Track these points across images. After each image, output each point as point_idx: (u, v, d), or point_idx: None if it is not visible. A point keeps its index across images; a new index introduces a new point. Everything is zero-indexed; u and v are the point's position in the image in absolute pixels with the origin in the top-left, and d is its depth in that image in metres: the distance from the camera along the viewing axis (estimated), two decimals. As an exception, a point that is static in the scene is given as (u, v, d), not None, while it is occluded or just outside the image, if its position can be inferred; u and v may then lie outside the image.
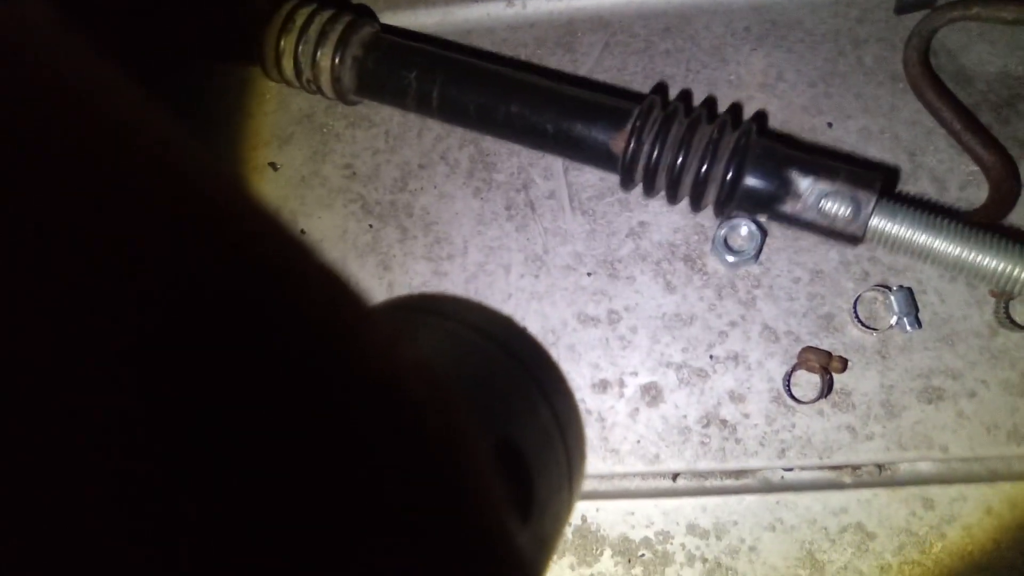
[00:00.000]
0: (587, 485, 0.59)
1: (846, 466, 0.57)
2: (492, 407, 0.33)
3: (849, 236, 0.53)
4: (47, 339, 0.12)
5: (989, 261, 0.51)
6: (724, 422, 0.57)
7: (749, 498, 0.57)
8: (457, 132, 0.66)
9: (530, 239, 0.63)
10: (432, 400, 0.18)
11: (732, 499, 0.57)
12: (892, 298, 0.56)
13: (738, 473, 0.58)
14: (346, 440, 0.15)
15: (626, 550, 0.58)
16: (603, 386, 0.59)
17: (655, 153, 0.55)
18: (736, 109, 0.62)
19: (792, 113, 0.61)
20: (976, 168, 0.57)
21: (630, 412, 0.59)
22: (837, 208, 0.52)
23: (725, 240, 0.58)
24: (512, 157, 0.65)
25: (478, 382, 0.34)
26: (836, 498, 0.56)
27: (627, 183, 0.57)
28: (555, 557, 0.59)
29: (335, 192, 0.67)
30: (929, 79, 0.58)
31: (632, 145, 0.55)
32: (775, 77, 0.62)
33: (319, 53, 0.62)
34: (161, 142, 0.15)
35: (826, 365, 0.56)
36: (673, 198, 0.57)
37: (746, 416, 0.57)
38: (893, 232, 0.52)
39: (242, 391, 0.13)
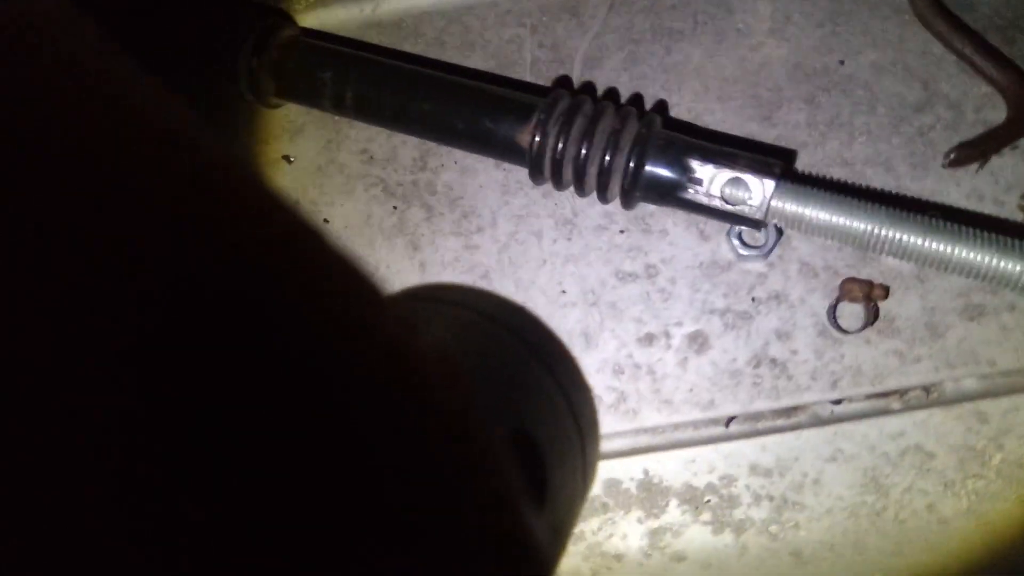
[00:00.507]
0: (646, 438, 0.59)
1: (897, 391, 0.58)
2: (506, 396, 0.33)
3: (751, 220, 0.54)
4: (47, 339, 0.12)
5: (893, 234, 0.51)
6: (774, 361, 0.58)
7: (807, 432, 0.57)
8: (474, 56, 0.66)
9: (558, 204, 0.63)
10: (444, 392, 0.18)
11: (790, 436, 0.58)
12: (925, 222, 0.57)
13: (793, 410, 0.58)
14: (345, 440, 0.15)
15: (692, 498, 0.58)
16: (649, 339, 0.60)
17: (559, 146, 0.56)
18: (639, 100, 0.63)
19: (804, 55, 0.62)
20: (990, 90, 0.59)
21: (679, 362, 0.59)
22: (738, 193, 0.53)
23: (740, 233, 0.59)
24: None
25: (492, 371, 0.34)
26: (892, 423, 0.57)
27: (536, 176, 0.58)
28: (621, 512, 0.59)
29: (354, 178, 0.67)
30: (935, 7, 0.59)
31: (537, 138, 0.56)
32: (783, 21, 0.63)
33: (238, 57, 0.62)
34: (166, 136, 0.14)
35: (869, 294, 0.57)
36: (580, 190, 0.58)
37: (794, 353, 0.58)
38: (796, 213, 0.53)
39: (242, 391, 0.13)
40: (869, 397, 0.58)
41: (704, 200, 0.54)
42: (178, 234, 0.13)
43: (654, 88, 0.63)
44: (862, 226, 0.52)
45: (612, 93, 0.63)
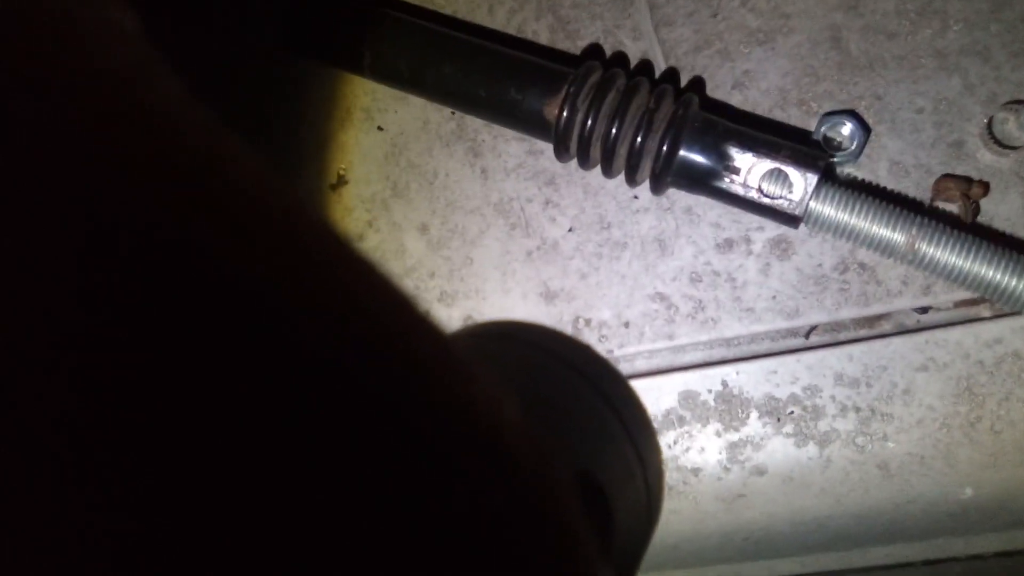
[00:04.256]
0: (724, 349, 0.57)
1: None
2: (572, 438, 0.32)
3: (788, 216, 0.51)
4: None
5: (933, 251, 0.49)
6: (862, 266, 0.55)
7: (896, 340, 0.54)
8: (532, 2, 0.62)
9: (627, 105, 0.59)
10: (520, 434, 0.17)
11: (878, 344, 0.55)
12: (1028, 114, 0.53)
13: (882, 317, 0.55)
14: (416, 494, 0.14)
15: (774, 409, 0.55)
16: (728, 245, 0.57)
17: (589, 122, 0.52)
18: (676, 76, 0.58)
19: (893, -62, 0.58)
20: (1101, -31, 0.54)
21: (761, 268, 0.56)
22: (777, 187, 0.50)
23: (825, 137, 0.55)
24: (595, 21, 0.61)
25: (558, 413, 0.33)
26: (988, 329, 0.54)
27: (561, 152, 0.55)
28: (698, 425, 0.56)
29: (408, 83, 0.63)
30: None
31: (566, 113, 0.52)
32: (870, -98, 0.58)
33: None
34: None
35: (967, 192, 0.53)
36: (608, 170, 0.54)
37: (884, 257, 0.55)
38: (835, 216, 0.50)
39: (319, 428, 0.13)
40: (958, 305, 0.55)
41: (740, 191, 0.51)
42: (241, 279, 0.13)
43: (730, -22, 0.59)
44: (902, 238, 0.49)
45: (646, 65, 0.59)
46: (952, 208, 0.54)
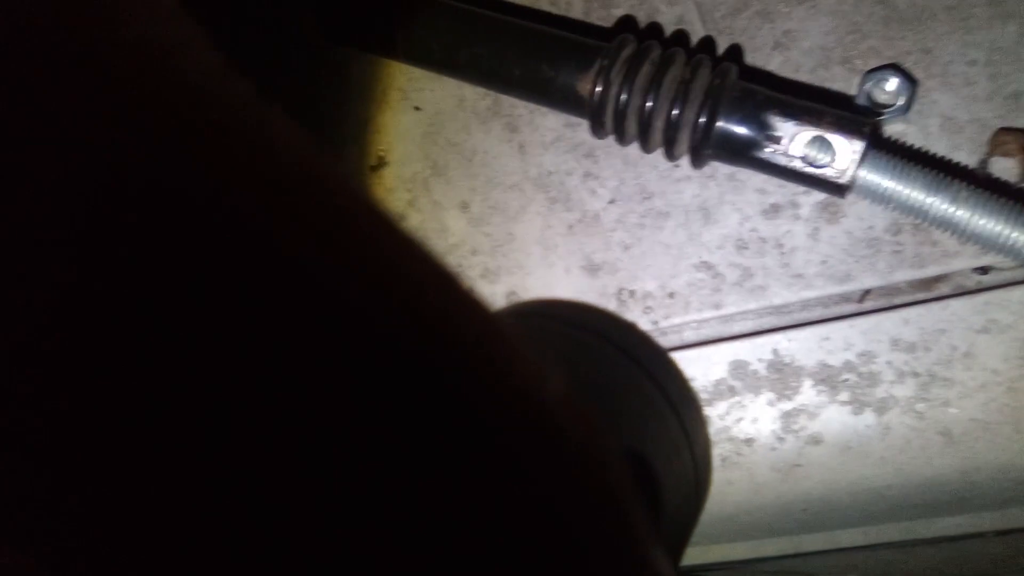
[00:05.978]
0: (774, 317, 0.55)
1: (1055, 254, 0.52)
2: (618, 416, 0.32)
3: (835, 186, 0.49)
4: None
5: (986, 222, 0.46)
6: (916, 226, 0.53)
7: (955, 302, 0.52)
8: (566, -26, 0.61)
9: (665, 73, 0.58)
10: (568, 407, 0.16)
11: (936, 307, 0.53)
12: (1090, 60, 0.50)
13: (939, 278, 0.53)
14: (471, 473, 0.14)
15: (828, 377, 0.54)
16: (775, 210, 0.55)
17: (623, 96, 0.51)
18: (713, 45, 0.56)
19: None
20: None
21: (810, 232, 0.54)
22: (821, 155, 0.48)
23: (869, 96, 0.53)
24: (630, -11, 0.60)
25: (603, 391, 0.33)
26: (1053, 287, 0.51)
27: (597, 129, 0.53)
28: (750, 395, 0.55)
29: (443, 62, 0.63)
30: None
31: (599, 87, 0.51)
32: None
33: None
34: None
35: (1026, 144, 0.51)
36: (645, 144, 0.52)
37: (940, 216, 0.53)
38: (884, 184, 0.48)
39: (366, 408, 0.13)
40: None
41: (783, 161, 0.49)
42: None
43: (768, -64, 0.57)
44: (956, 210, 0.47)
45: (681, 36, 0.57)
46: (1010, 163, 0.51)
